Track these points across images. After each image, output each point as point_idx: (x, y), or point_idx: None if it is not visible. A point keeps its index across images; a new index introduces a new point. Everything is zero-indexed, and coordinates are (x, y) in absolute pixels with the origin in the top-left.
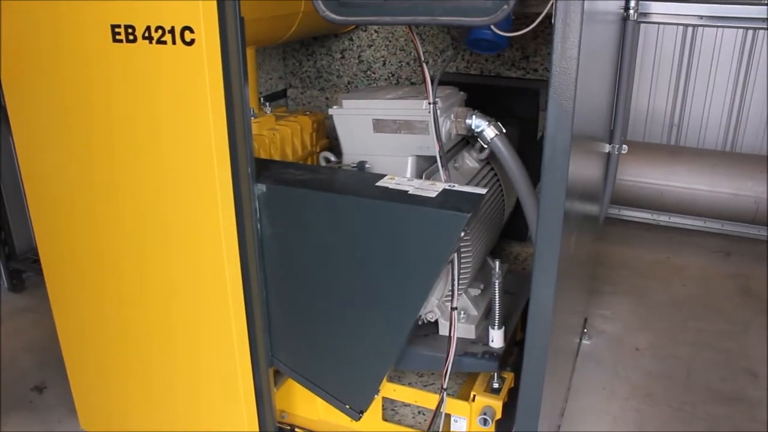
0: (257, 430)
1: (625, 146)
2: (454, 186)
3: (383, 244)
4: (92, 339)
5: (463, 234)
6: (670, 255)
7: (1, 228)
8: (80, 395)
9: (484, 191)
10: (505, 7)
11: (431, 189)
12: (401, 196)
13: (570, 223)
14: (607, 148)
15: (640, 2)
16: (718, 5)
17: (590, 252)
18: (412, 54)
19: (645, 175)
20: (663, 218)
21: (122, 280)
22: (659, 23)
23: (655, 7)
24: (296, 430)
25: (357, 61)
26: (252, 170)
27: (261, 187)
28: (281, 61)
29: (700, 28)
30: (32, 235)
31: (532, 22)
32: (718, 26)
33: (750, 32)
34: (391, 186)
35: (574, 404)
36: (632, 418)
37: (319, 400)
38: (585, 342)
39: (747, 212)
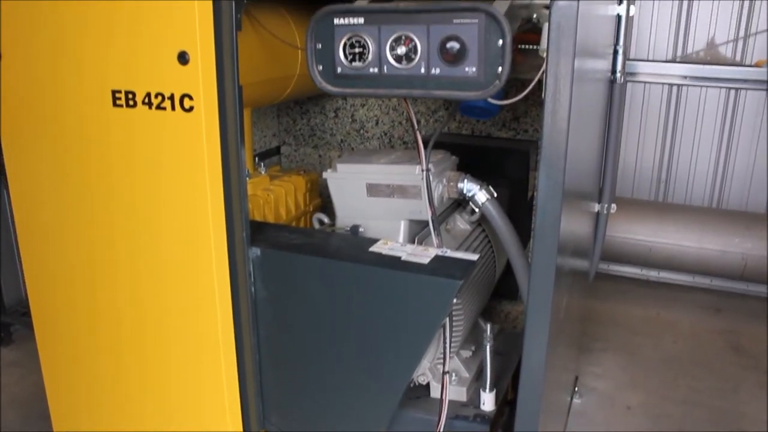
0: None
1: (614, 205)
2: (446, 252)
3: (376, 308)
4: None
5: (455, 299)
6: (660, 311)
7: None
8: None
9: (476, 257)
10: (497, 82)
11: (424, 255)
12: (394, 262)
13: (560, 284)
14: (596, 207)
15: (628, 62)
16: (701, 66)
17: (580, 309)
18: (405, 114)
19: (634, 232)
20: (652, 274)
21: (119, 339)
22: (645, 82)
23: (642, 67)
24: None
25: (350, 120)
26: (247, 234)
27: (255, 251)
28: (275, 119)
29: (684, 87)
30: (21, 288)
31: (524, 86)
32: (701, 86)
33: (732, 92)
34: (384, 251)
35: None
36: None
37: None
38: (576, 400)
39: (735, 268)
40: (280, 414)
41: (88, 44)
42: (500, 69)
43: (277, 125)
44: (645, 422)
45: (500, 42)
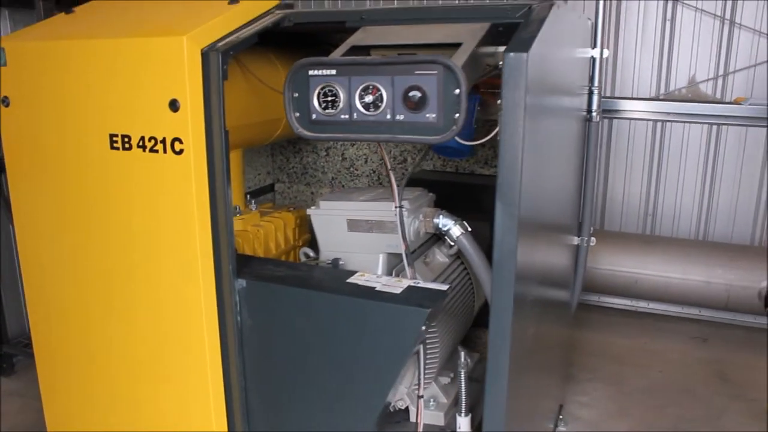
0: None
1: (593, 239)
2: (419, 282)
3: (352, 335)
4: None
5: (425, 327)
6: (647, 341)
7: None
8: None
9: (446, 287)
10: (454, 127)
11: (397, 286)
12: (369, 292)
13: (524, 313)
14: (575, 240)
15: (612, 100)
16: (683, 103)
17: (561, 339)
18: (392, 152)
19: (620, 264)
20: (642, 304)
21: (114, 362)
22: (630, 119)
23: (626, 105)
24: None
25: (341, 158)
26: (233, 267)
27: (241, 283)
28: (269, 158)
29: (668, 123)
30: (25, 320)
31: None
32: (684, 122)
33: (714, 127)
34: (360, 282)
35: None
36: None
37: None
38: (561, 429)
39: (719, 299)
40: None
41: (89, 92)
42: (457, 115)
43: (271, 163)
44: None
45: (457, 91)
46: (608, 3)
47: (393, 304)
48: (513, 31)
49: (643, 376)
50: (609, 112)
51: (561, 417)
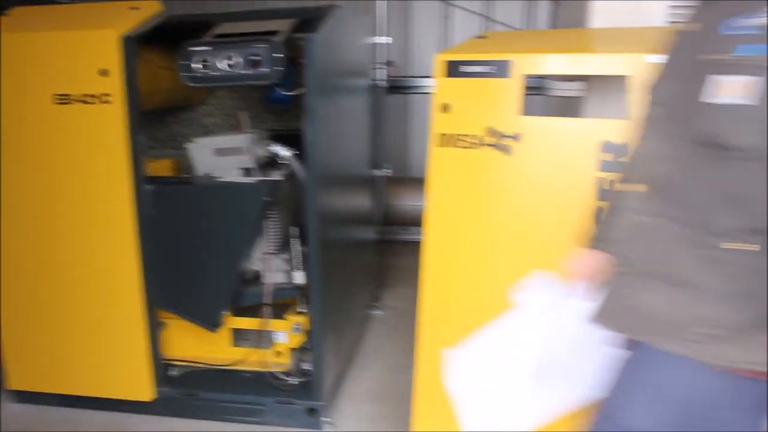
0: (153, 362)
1: (388, 171)
2: (264, 178)
3: (219, 212)
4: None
5: (269, 200)
6: None
7: None
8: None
9: (281, 178)
10: (277, 74)
11: (247, 179)
12: (228, 183)
13: (332, 218)
14: (375, 172)
15: (405, 78)
16: None
17: (370, 254)
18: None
19: (419, 200)
20: None
21: (53, 254)
22: (417, 93)
23: (414, 82)
24: (175, 362)
25: (200, 126)
26: (144, 177)
27: (150, 187)
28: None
29: None
30: None
31: None
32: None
33: None
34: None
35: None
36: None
37: (190, 341)
38: (379, 312)
39: None
40: (167, 297)
41: (43, 65)
42: (279, 69)
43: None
44: None
45: (277, 56)
46: (393, 3)
47: (245, 183)
48: (314, 24)
49: None
50: (402, 89)
51: (377, 305)
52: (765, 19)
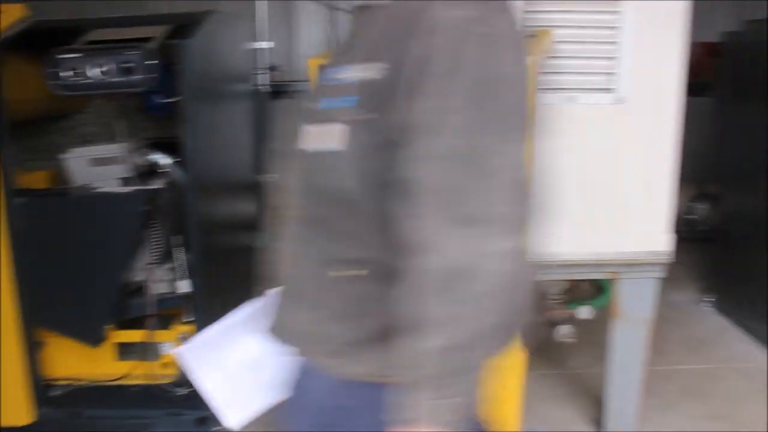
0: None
1: (274, 175)
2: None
3: (96, 224)
4: None
5: (148, 210)
6: None
7: None
8: None
9: (159, 187)
10: (151, 80)
11: (124, 189)
12: (103, 193)
13: (212, 220)
14: (259, 178)
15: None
16: None
17: (256, 260)
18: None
19: None
20: None
21: None
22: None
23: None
24: (57, 382)
25: (78, 136)
26: (15, 190)
27: (22, 200)
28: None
29: None
30: None
31: None
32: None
33: None
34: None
35: None
36: None
37: (73, 359)
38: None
39: None
40: (47, 314)
41: None
42: (153, 76)
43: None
44: None
45: (150, 63)
46: (277, 7)
47: (121, 192)
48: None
49: None
50: (286, 93)
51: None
52: (345, 73)
